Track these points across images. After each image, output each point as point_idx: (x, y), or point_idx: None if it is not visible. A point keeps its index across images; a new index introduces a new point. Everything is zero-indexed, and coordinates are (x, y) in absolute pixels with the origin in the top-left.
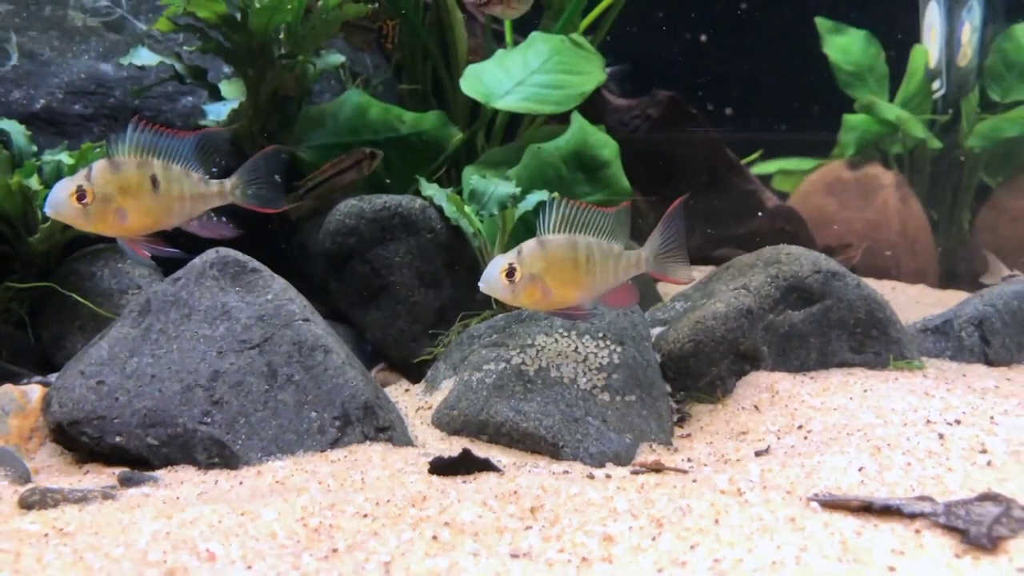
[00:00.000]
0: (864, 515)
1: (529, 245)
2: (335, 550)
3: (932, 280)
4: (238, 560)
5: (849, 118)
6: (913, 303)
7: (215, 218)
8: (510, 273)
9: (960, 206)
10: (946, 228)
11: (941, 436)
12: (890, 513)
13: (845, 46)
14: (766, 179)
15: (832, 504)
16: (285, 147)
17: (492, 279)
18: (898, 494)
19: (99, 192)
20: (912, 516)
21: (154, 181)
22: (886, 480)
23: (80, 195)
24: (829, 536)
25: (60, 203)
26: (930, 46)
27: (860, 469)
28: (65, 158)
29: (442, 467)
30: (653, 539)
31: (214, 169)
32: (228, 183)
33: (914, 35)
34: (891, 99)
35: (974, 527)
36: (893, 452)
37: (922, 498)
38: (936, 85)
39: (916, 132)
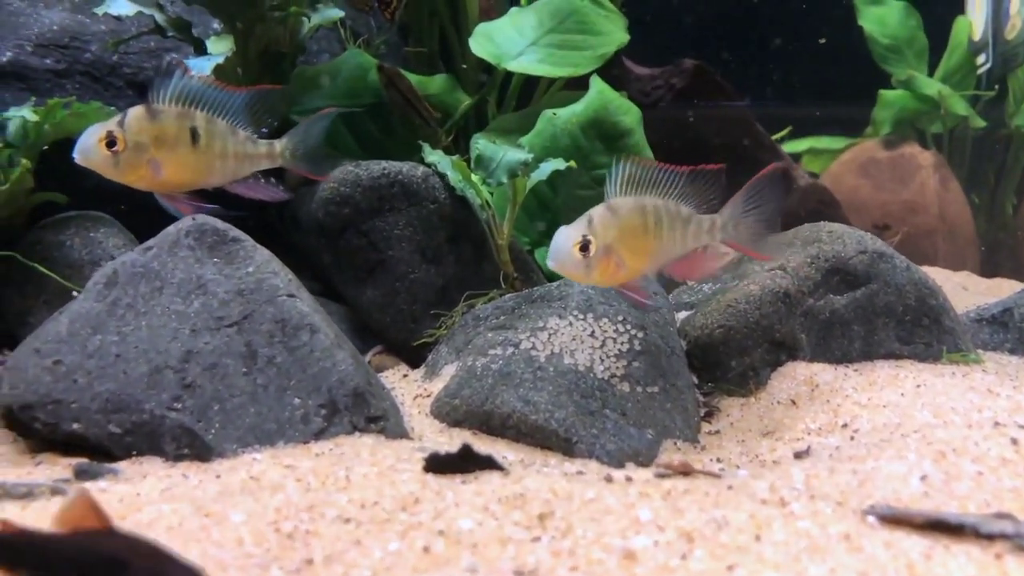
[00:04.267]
0: (931, 533)
1: (599, 212)
2: (310, 561)
3: (972, 269)
4: None
5: (885, 94)
6: (960, 290)
7: (262, 179)
8: (584, 247)
9: (1004, 190)
10: (988, 213)
11: (1014, 441)
12: (963, 533)
13: (882, 17)
14: (795, 158)
15: (893, 519)
16: (340, 108)
17: (565, 254)
18: (971, 509)
19: (131, 140)
20: (990, 537)
21: (194, 134)
22: (955, 492)
23: (110, 141)
24: (892, 559)
25: (88, 149)
26: (975, 17)
27: (923, 478)
28: (29, 114)
29: (439, 464)
30: (683, 557)
31: (264, 130)
32: (278, 144)
33: (957, 6)
34: (930, 75)
35: None
36: (960, 459)
37: (1000, 515)
38: (981, 59)
39: (958, 109)
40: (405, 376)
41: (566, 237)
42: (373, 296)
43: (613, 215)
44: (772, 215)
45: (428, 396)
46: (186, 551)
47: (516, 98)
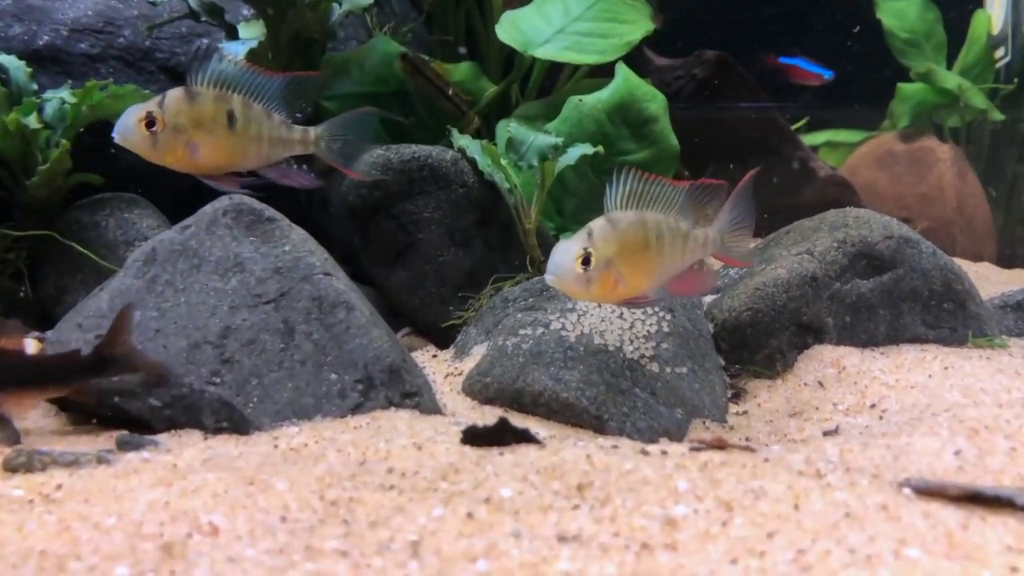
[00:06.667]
0: (968, 505)
1: (599, 225)
2: (356, 526)
3: (990, 261)
4: (244, 535)
5: (904, 87)
6: (979, 280)
7: (295, 166)
8: (585, 260)
9: (1021, 183)
10: (1005, 206)
11: None
12: (1000, 504)
13: (900, 11)
14: (812, 150)
15: (928, 491)
16: (381, 111)
17: (567, 269)
18: (1005, 483)
19: (170, 121)
20: None
21: (231, 117)
22: (989, 467)
23: (149, 122)
24: (931, 528)
25: (127, 128)
26: (994, 11)
27: (957, 453)
28: (67, 96)
29: (476, 437)
30: (723, 524)
31: (298, 115)
32: (312, 131)
33: (975, 0)
34: (949, 69)
35: None
36: (993, 435)
37: None
38: (1000, 53)
39: (977, 103)
40: (434, 356)
41: (566, 251)
42: (402, 278)
43: (613, 228)
44: (751, 221)
45: (459, 375)
46: (234, 517)
47: (539, 85)
